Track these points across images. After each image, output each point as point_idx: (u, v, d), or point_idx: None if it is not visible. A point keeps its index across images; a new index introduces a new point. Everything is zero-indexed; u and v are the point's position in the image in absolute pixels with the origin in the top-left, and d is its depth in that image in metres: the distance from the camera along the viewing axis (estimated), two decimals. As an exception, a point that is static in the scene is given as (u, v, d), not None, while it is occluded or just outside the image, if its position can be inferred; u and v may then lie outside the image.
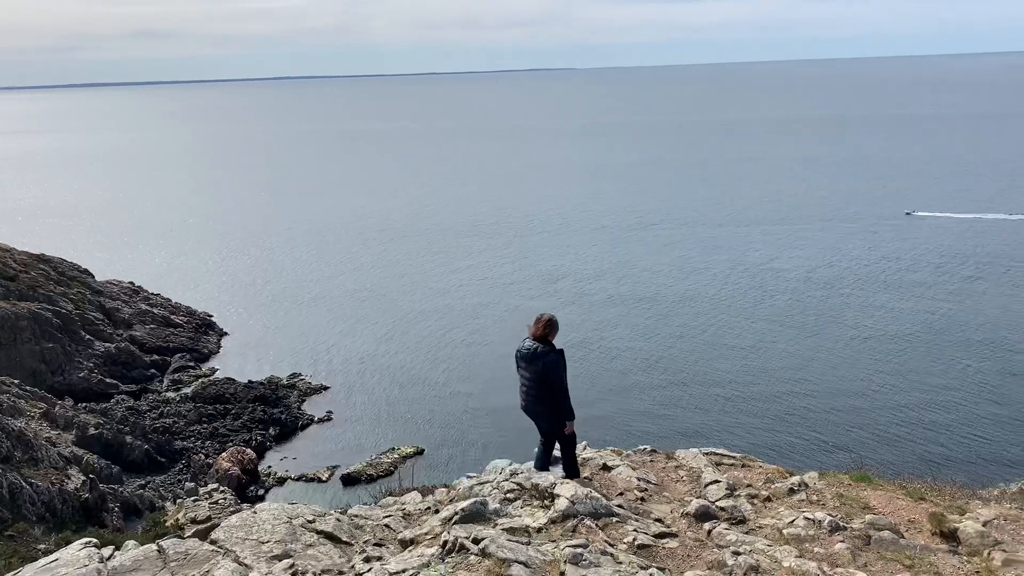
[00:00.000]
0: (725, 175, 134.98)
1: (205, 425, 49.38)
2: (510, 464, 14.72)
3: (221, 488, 39.78)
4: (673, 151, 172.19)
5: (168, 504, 39.22)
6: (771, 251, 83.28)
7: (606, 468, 14.50)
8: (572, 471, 13.01)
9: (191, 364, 59.88)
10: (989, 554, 11.37)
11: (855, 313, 63.00)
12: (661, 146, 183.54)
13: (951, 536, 12.11)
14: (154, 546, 10.37)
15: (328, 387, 54.68)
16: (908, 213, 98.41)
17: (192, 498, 38.73)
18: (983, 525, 12.38)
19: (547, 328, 12.15)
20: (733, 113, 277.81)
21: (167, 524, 32.43)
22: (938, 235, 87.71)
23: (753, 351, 56.13)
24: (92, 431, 44.13)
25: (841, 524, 12.06)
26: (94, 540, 10.49)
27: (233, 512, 20.66)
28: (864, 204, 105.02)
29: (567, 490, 11.41)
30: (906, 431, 43.51)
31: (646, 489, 13.71)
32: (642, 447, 17.09)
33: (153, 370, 58.26)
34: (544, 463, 13.36)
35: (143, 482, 42.49)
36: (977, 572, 10.98)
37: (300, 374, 56.76)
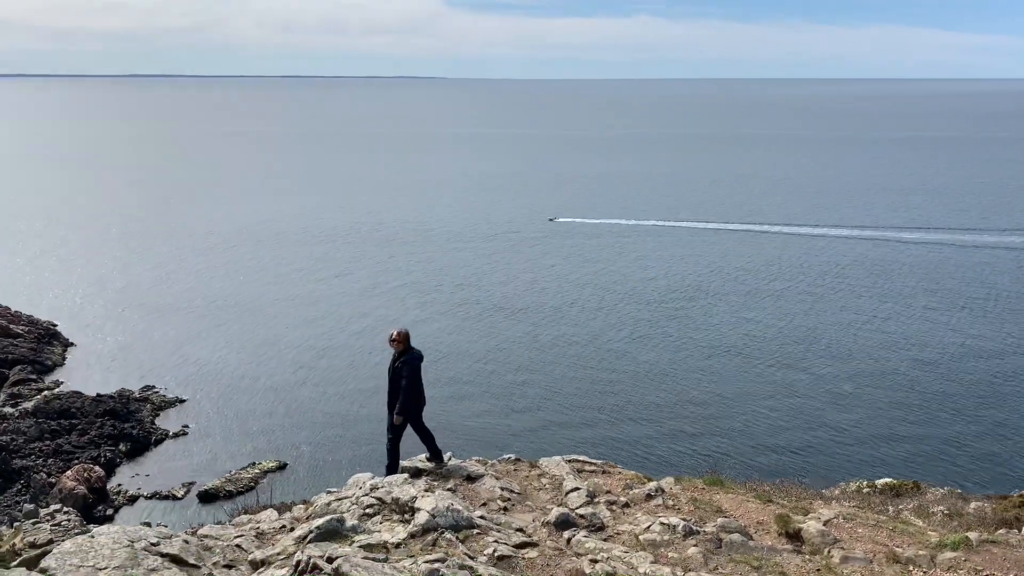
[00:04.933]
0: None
1: (47, 442, 46.24)
2: (372, 478, 14.48)
3: (65, 509, 37.31)
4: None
5: (4, 528, 36.49)
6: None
7: (470, 479, 14.47)
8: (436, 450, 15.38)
9: (32, 377, 56.05)
10: (829, 552, 11.98)
11: (657, 318, 65.56)
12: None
13: (796, 536, 12.70)
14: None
15: (184, 400, 52.40)
16: (551, 219, 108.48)
17: (31, 521, 36.19)
18: (824, 524, 13.04)
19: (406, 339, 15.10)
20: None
21: (2, 550, 30.18)
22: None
23: (598, 359, 57.39)
24: (-83, 451, 40.64)
25: (694, 528, 12.42)
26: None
27: (77, 535, 19.40)
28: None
29: (427, 503, 11.27)
30: (757, 435, 45.50)
31: (509, 499, 13.74)
32: (507, 456, 17.18)
33: (-12, 384, 54.24)
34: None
35: (-26, 506, 39.36)
36: (818, 570, 11.53)
37: (154, 386, 54.15)
